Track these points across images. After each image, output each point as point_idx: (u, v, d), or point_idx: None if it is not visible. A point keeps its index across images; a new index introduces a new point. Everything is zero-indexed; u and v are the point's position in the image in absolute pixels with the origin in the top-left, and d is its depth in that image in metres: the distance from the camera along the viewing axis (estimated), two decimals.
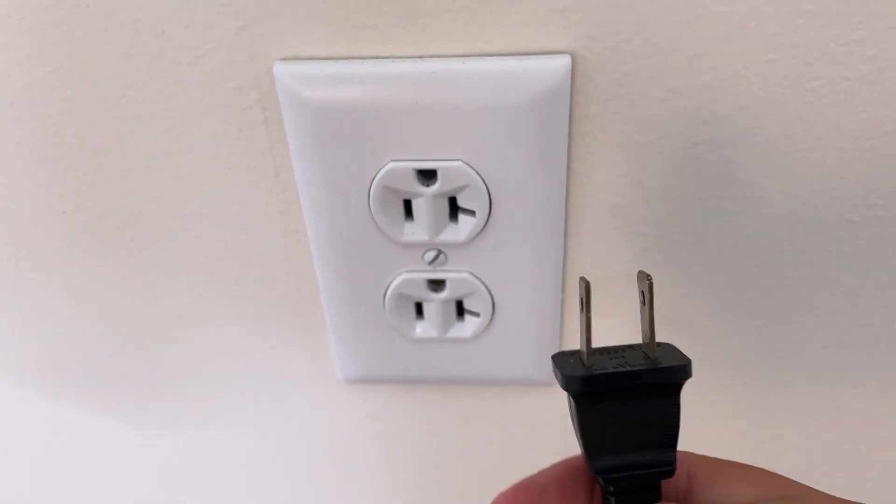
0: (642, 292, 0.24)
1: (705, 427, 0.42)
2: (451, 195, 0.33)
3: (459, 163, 0.32)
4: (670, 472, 0.23)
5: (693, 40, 0.29)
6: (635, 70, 0.30)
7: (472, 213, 0.33)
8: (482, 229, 0.34)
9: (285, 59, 0.31)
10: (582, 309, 0.24)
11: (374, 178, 0.32)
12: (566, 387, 0.23)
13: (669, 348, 0.25)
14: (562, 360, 0.24)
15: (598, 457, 0.23)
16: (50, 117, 0.34)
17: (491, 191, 0.32)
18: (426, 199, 0.33)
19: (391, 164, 0.32)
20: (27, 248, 0.39)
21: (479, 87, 0.30)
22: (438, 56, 0.30)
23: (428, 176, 0.33)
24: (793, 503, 0.20)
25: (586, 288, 0.23)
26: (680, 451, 0.23)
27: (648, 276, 0.24)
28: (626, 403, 0.23)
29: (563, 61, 0.29)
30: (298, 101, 0.31)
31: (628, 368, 0.23)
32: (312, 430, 0.46)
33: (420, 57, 0.30)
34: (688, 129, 0.31)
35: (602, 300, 0.37)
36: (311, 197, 0.34)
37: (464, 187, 0.32)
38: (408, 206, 0.34)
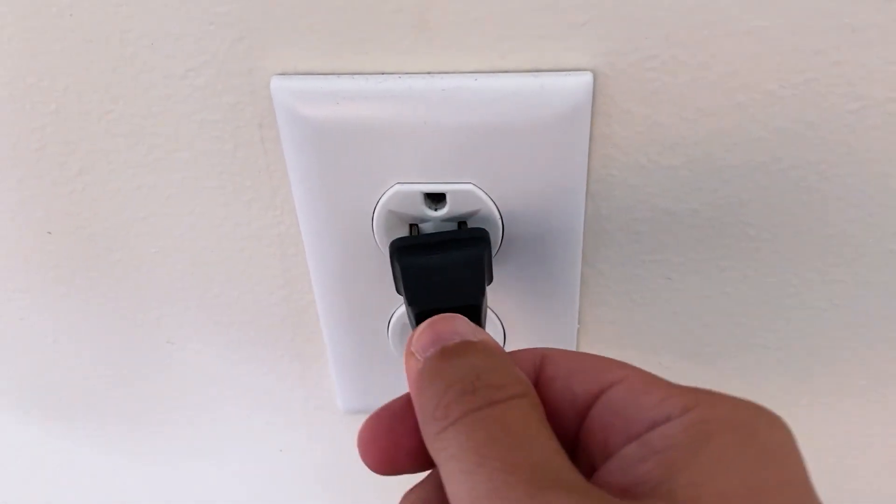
0: None
1: None
2: (460, 220, 0.30)
3: (470, 186, 0.29)
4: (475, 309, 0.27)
5: (726, 57, 0.27)
6: (661, 88, 0.28)
7: None
8: (494, 256, 0.31)
9: (284, 73, 0.29)
10: None
11: (378, 202, 0.30)
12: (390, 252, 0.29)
13: None
14: None
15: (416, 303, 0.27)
16: (33, 132, 0.32)
17: (503, 216, 0.30)
18: (434, 224, 0.30)
19: (397, 187, 0.30)
20: (9, 269, 0.37)
21: (493, 106, 0.28)
22: (449, 72, 0.28)
23: (436, 199, 0.30)
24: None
25: None
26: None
27: None
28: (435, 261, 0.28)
29: (585, 79, 0.27)
30: (297, 119, 0.29)
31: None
32: (309, 462, 0.43)
33: (429, 73, 0.28)
34: (717, 153, 0.29)
35: (621, 329, 0.35)
36: (311, 220, 0.32)
37: (474, 212, 0.30)
38: (413, 230, 0.31)
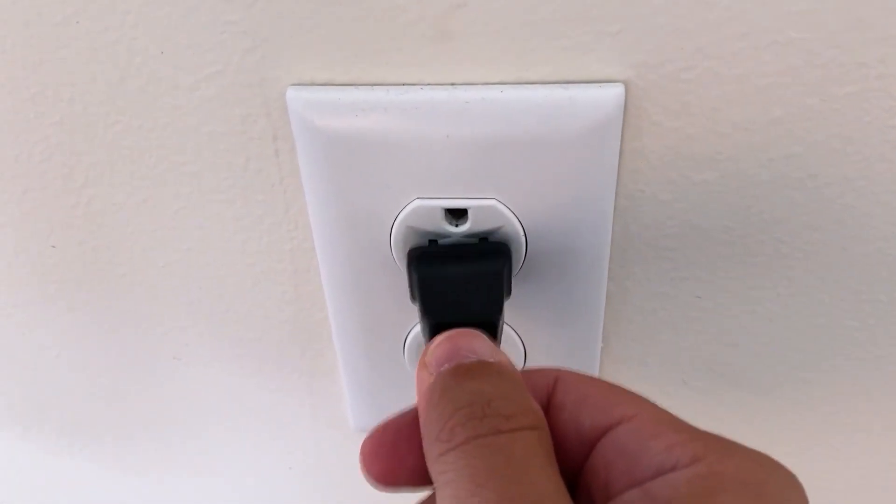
0: None
1: None
2: (482, 237, 0.29)
3: (493, 202, 0.28)
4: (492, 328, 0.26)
5: (763, 69, 0.26)
6: (695, 101, 0.27)
7: None
8: (516, 274, 0.30)
9: (299, 83, 0.28)
10: None
11: (396, 217, 0.29)
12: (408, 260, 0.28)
13: None
14: None
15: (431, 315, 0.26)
16: (36, 144, 0.30)
17: (527, 233, 0.29)
18: (454, 241, 0.29)
19: (417, 202, 0.28)
20: (12, 282, 0.35)
21: (519, 119, 0.26)
22: (473, 83, 0.27)
23: (457, 215, 0.29)
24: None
25: None
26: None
27: None
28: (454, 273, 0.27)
29: (616, 90, 0.26)
30: (313, 132, 0.28)
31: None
32: (317, 481, 0.42)
33: (452, 84, 0.27)
34: (751, 168, 0.28)
35: (645, 348, 0.34)
36: (326, 235, 0.30)
37: (497, 228, 0.29)
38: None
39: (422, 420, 0.20)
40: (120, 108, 0.29)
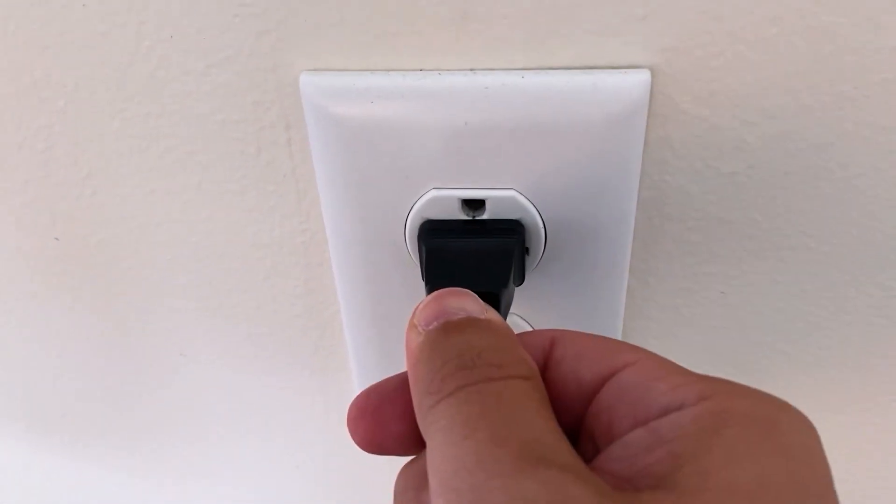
0: None
1: None
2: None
3: (512, 192, 0.27)
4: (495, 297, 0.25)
5: (795, 55, 0.25)
6: (723, 89, 0.26)
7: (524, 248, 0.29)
8: (534, 268, 0.29)
9: (313, 69, 0.27)
10: None
11: (412, 208, 0.28)
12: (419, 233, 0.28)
13: None
14: None
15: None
16: (39, 131, 0.30)
17: (547, 224, 0.28)
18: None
19: (433, 192, 0.28)
20: (13, 276, 0.35)
21: (541, 106, 0.26)
22: (493, 69, 0.26)
23: (475, 206, 0.28)
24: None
25: None
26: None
27: None
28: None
29: (642, 77, 0.25)
30: (328, 118, 0.27)
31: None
32: (326, 479, 0.41)
33: (471, 70, 0.26)
34: (779, 158, 0.27)
35: (665, 345, 0.33)
36: (339, 226, 0.29)
37: (516, 220, 0.28)
38: None
39: (411, 379, 0.20)
40: (127, 94, 0.28)
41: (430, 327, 0.20)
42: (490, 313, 0.21)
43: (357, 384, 0.35)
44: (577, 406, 0.20)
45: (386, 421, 0.21)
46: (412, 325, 0.21)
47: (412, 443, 0.20)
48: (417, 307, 0.21)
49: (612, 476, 0.17)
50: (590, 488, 0.15)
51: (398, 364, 0.33)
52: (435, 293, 0.21)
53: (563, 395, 0.20)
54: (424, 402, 0.18)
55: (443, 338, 0.19)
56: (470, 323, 0.20)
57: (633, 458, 0.17)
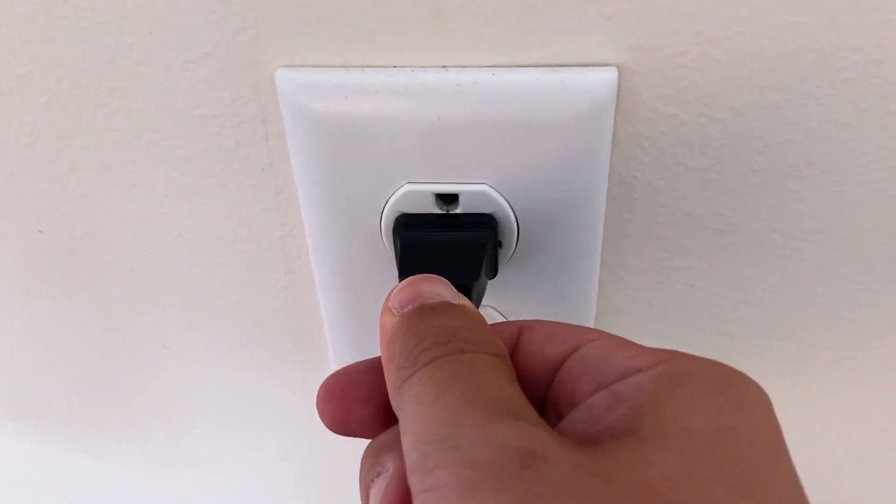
0: None
1: None
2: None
3: (485, 187, 0.28)
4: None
5: (760, 54, 0.25)
6: (690, 86, 0.26)
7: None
8: (508, 261, 0.30)
9: (289, 65, 0.27)
10: None
11: (387, 202, 0.29)
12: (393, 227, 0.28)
13: None
14: None
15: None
16: (22, 126, 0.30)
17: (519, 219, 0.29)
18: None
19: (407, 187, 0.28)
20: None
21: (511, 103, 0.26)
22: (465, 66, 0.27)
23: (448, 200, 0.29)
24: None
25: None
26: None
27: None
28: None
29: (609, 74, 0.26)
30: (303, 114, 0.27)
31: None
32: (310, 471, 0.42)
33: (444, 66, 0.27)
34: (746, 155, 0.28)
35: (637, 339, 0.33)
36: (316, 221, 0.30)
37: (489, 214, 0.28)
38: None
39: (385, 359, 0.20)
40: (109, 89, 0.29)
41: (406, 310, 0.21)
42: (462, 300, 0.21)
43: None
44: (542, 383, 0.21)
45: (352, 402, 0.21)
46: (386, 308, 0.21)
47: (378, 425, 0.21)
48: (392, 291, 0.22)
49: (575, 437, 0.17)
50: (558, 440, 0.16)
51: (376, 354, 0.34)
52: (409, 279, 0.22)
53: (530, 374, 0.21)
54: (399, 377, 0.19)
55: (418, 320, 0.20)
56: (444, 306, 0.21)
57: (595, 419, 0.18)
